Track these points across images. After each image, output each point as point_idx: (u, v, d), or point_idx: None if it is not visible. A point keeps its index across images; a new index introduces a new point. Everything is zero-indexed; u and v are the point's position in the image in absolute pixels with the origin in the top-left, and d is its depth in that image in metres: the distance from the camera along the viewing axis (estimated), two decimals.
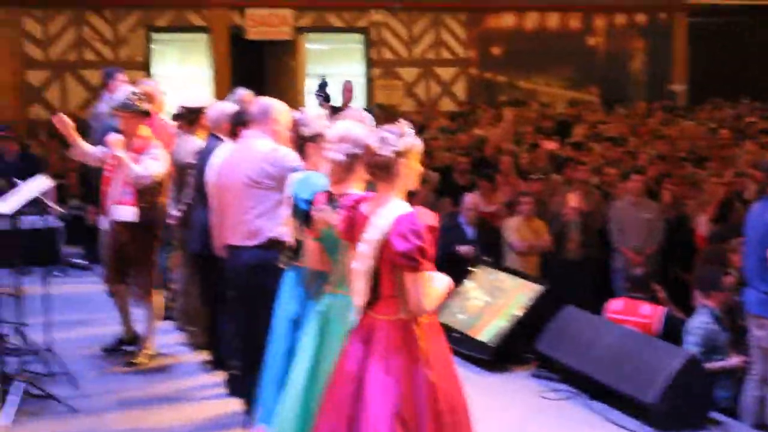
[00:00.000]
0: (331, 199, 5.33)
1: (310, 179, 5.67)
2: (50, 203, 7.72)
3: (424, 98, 20.44)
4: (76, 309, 9.40)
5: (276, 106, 6.46)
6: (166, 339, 8.70)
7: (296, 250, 5.79)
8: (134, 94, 8.07)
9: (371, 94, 20.09)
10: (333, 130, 5.46)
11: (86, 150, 8.21)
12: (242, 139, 6.60)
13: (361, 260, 4.76)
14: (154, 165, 7.94)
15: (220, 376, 7.63)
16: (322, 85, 13.78)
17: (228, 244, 6.52)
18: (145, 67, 18.10)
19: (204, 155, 7.54)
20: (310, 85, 19.38)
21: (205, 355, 8.18)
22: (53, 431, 6.83)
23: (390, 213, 4.65)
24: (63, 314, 8.64)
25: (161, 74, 18.25)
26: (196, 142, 8.02)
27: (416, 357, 4.65)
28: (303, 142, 5.88)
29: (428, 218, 4.62)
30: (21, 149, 12.73)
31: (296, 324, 5.72)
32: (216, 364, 7.90)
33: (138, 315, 8.42)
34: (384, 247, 4.65)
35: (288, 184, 5.86)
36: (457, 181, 12.48)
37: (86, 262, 11.53)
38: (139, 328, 8.40)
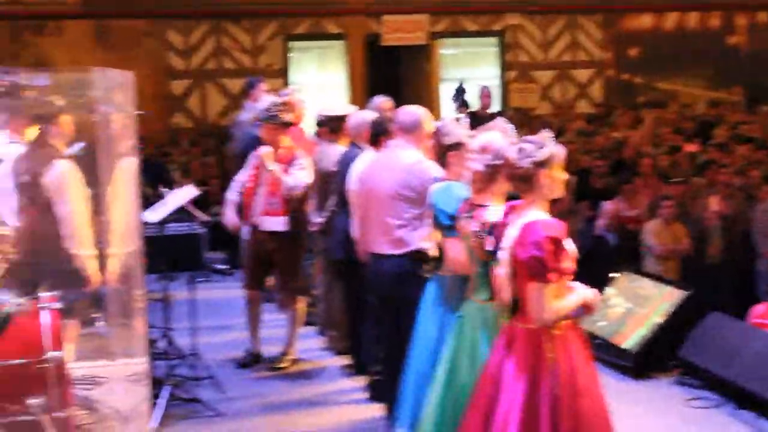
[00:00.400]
0: (470, 208, 5.36)
1: (451, 190, 5.68)
2: (194, 210, 7.90)
3: (560, 101, 20.23)
4: (220, 314, 9.56)
5: (422, 115, 6.48)
6: (308, 344, 8.82)
7: (438, 260, 5.82)
8: (276, 104, 8.20)
9: (506, 97, 19.98)
10: (476, 140, 5.48)
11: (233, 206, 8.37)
12: (388, 149, 6.62)
13: (502, 267, 4.78)
14: (303, 174, 8.08)
15: (360, 381, 7.71)
16: (459, 91, 13.83)
17: (372, 252, 6.57)
18: (283, 75, 18.34)
19: (345, 163, 7.63)
20: (445, 90, 19.41)
21: (346, 360, 8.28)
22: None
23: (522, 222, 4.66)
24: (207, 319, 8.79)
25: (299, 81, 18.54)
26: (337, 150, 8.12)
27: (542, 368, 4.62)
28: (444, 151, 5.89)
29: (552, 229, 4.58)
30: (146, 158, 12.98)
31: (438, 333, 5.76)
32: (357, 369, 7.99)
33: (280, 320, 8.58)
34: (513, 255, 4.66)
35: (429, 194, 5.89)
36: (594, 185, 12.33)
37: (228, 267, 11.79)
38: (282, 332, 8.54)
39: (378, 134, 7.23)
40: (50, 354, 4.94)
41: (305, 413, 7.35)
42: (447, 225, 5.64)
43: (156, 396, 7.01)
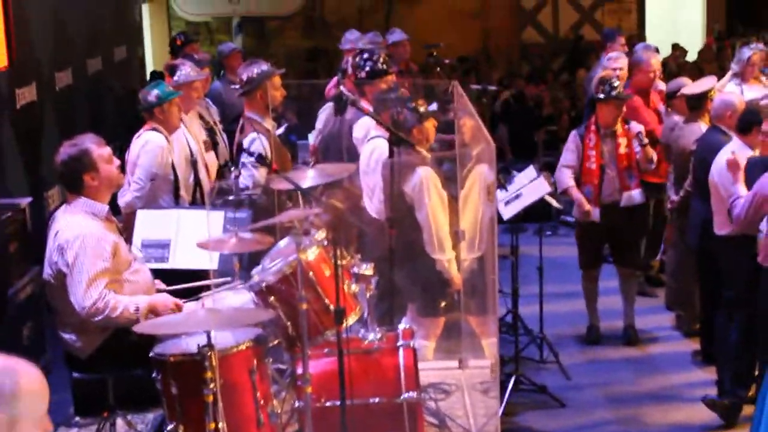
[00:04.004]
0: None
1: None
2: (550, 200, 7.82)
3: None
4: (565, 276, 9.30)
5: None
6: (655, 320, 8.69)
7: None
8: (614, 80, 8.05)
9: None
10: None
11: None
12: None
13: None
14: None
15: (710, 373, 7.44)
16: None
17: None
18: None
19: (706, 148, 7.33)
20: None
21: (694, 344, 8.04)
22: (542, 424, 7.01)
23: None
24: (552, 282, 8.54)
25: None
26: (697, 129, 7.81)
27: None
28: None
29: None
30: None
31: None
32: (706, 357, 7.75)
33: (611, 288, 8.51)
34: None
35: None
36: None
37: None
38: (615, 300, 8.47)
39: (750, 124, 6.82)
40: (406, 395, 5.07)
41: (653, 408, 7.21)
42: None
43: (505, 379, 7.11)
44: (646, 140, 7.98)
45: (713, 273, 7.27)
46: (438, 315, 6.54)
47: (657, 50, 9.66)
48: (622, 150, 8.00)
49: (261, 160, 6.07)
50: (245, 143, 6.85)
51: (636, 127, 8.08)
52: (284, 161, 7.11)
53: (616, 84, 8.00)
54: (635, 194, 8.07)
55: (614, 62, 9.44)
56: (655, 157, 8.06)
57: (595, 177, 8.02)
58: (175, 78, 7.68)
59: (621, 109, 8.01)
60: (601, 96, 7.99)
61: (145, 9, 16.70)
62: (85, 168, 5.21)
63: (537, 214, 9.05)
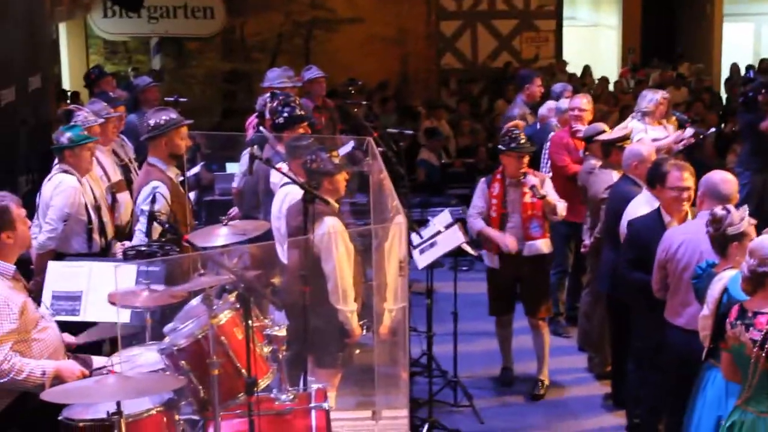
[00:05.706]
0: (741, 313, 5.06)
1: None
2: (465, 247, 7.82)
3: None
4: (481, 314, 9.29)
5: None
6: (568, 361, 8.77)
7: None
8: (516, 131, 8.08)
9: None
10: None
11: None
12: (700, 220, 6.06)
13: None
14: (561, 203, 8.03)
15: (621, 418, 7.53)
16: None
17: (682, 326, 6.16)
18: (555, 16, 17.92)
19: (617, 197, 7.40)
20: (727, 32, 18.48)
21: (605, 387, 8.13)
22: None
23: None
24: (469, 320, 8.62)
25: (573, 20, 18.16)
26: (609, 176, 7.88)
27: None
28: (726, 241, 5.56)
29: None
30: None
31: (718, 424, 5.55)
32: (617, 401, 7.83)
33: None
34: None
35: (717, 279, 5.56)
36: None
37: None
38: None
39: (656, 178, 6.87)
40: None
41: None
42: None
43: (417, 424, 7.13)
44: (540, 192, 7.78)
45: (623, 319, 7.34)
46: (336, 366, 6.51)
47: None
48: (527, 199, 7.89)
49: (172, 230, 6.06)
50: (146, 202, 6.78)
51: (531, 179, 7.87)
52: (183, 211, 7.00)
53: (515, 135, 7.95)
54: (539, 244, 7.97)
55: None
56: (559, 208, 7.90)
57: (496, 226, 7.98)
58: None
59: (522, 160, 7.88)
60: (502, 147, 7.99)
61: (62, 27, 16.50)
62: (3, 226, 5.14)
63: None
